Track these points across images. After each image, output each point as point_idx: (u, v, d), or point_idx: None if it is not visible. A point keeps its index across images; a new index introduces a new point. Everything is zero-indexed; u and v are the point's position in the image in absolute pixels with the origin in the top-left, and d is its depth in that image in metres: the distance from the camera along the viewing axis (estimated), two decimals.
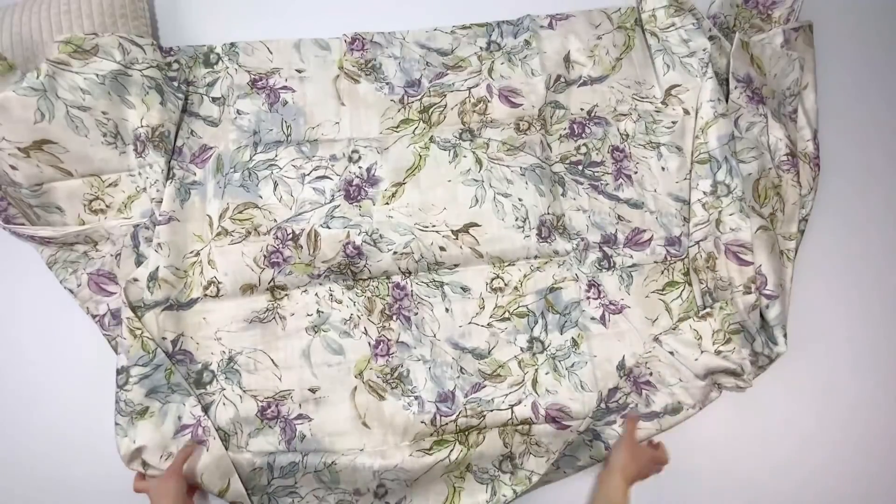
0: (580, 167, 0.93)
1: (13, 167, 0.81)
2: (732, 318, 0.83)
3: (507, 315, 0.86)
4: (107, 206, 0.85)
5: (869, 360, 0.88)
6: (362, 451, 0.80)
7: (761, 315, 0.85)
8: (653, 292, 0.88)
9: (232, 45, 0.96)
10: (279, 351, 0.84)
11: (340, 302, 0.86)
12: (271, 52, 0.96)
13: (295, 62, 0.95)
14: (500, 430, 0.82)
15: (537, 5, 0.99)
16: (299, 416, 0.82)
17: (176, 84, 0.91)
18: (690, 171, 0.93)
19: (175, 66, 0.93)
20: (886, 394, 0.87)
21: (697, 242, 0.89)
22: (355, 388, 0.83)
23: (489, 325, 0.86)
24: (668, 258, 0.89)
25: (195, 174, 0.89)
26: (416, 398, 0.83)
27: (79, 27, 0.83)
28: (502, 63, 0.96)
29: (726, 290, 0.85)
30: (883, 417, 0.86)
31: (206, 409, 0.80)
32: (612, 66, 0.98)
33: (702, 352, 0.82)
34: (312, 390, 0.83)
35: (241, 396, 0.82)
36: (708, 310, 0.84)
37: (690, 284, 0.88)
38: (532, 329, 0.86)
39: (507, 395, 0.83)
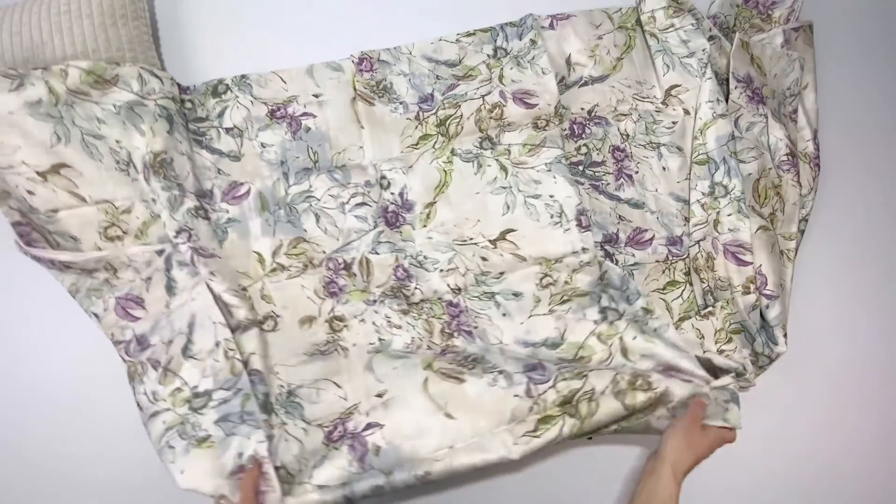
0: (580, 167, 0.93)
1: (30, 192, 0.80)
2: (734, 318, 0.83)
3: (565, 298, 0.83)
4: (123, 233, 0.83)
5: (869, 359, 0.89)
6: (452, 449, 0.70)
7: (761, 315, 0.85)
8: (653, 291, 0.88)
9: (243, 76, 0.93)
10: (343, 380, 0.81)
11: (399, 327, 0.84)
12: (285, 82, 0.94)
13: (311, 87, 0.93)
14: (613, 389, 0.72)
15: (538, 5, 0.99)
16: (368, 427, 0.75)
17: (187, 119, 0.89)
18: (690, 171, 0.93)
19: (188, 105, 0.90)
20: (887, 394, 0.87)
21: (697, 242, 0.89)
22: (426, 379, 0.75)
23: (551, 311, 0.82)
24: (670, 258, 0.90)
25: (227, 211, 0.87)
26: (501, 372, 0.75)
27: (79, 27, 0.83)
28: (511, 68, 0.95)
29: (726, 290, 0.86)
30: (883, 417, 0.86)
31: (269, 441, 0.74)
32: (612, 65, 0.98)
33: (703, 351, 0.82)
34: (380, 395, 0.77)
35: (305, 429, 0.77)
36: (710, 308, 0.85)
37: (691, 284, 0.89)
38: (599, 301, 0.82)
39: (600, 370, 0.76)
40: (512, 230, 0.87)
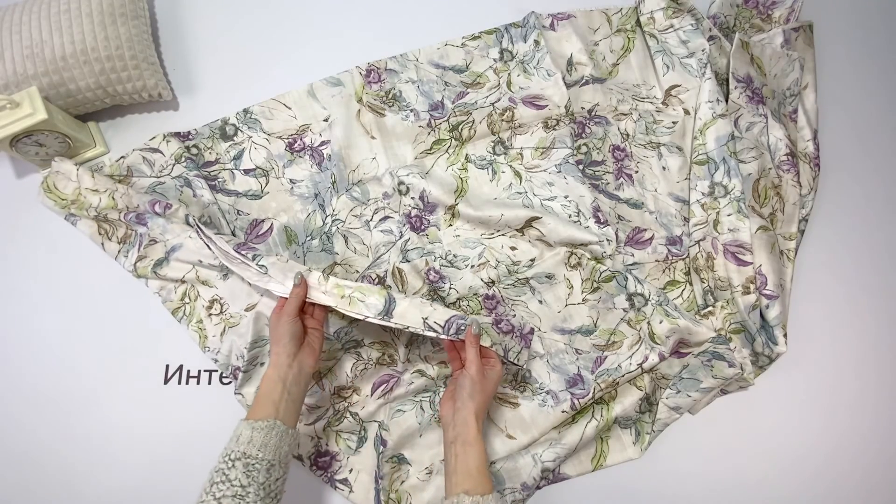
0: (580, 167, 0.93)
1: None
2: (734, 318, 0.83)
3: (595, 285, 0.86)
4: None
5: (869, 360, 0.88)
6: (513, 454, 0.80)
7: (761, 315, 0.85)
8: None
9: (245, 111, 0.93)
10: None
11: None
12: (290, 108, 0.93)
13: (318, 111, 0.93)
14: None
15: (539, 5, 0.99)
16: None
17: (197, 165, 0.89)
18: (689, 171, 0.93)
19: (194, 150, 0.90)
20: (887, 394, 0.87)
21: (697, 242, 0.89)
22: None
23: (584, 300, 0.86)
24: (670, 257, 0.90)
25: (256, 248, 0.86)
26: (548, 392, 0.82)
27: (78, 26, 0.83)
28: (518, 75, 0.96)
29: (726, 290, 0.86)
30: (883, 417, 0.86)
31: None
32: (613, 65, 0.99)
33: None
34: None
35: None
36: (710, 308, 0.85)
37: (691, 284, 0.89)
38: (625, 286, 0.84)
39: (630, 356, 0.81)
40: (537, 217, 0.87)
